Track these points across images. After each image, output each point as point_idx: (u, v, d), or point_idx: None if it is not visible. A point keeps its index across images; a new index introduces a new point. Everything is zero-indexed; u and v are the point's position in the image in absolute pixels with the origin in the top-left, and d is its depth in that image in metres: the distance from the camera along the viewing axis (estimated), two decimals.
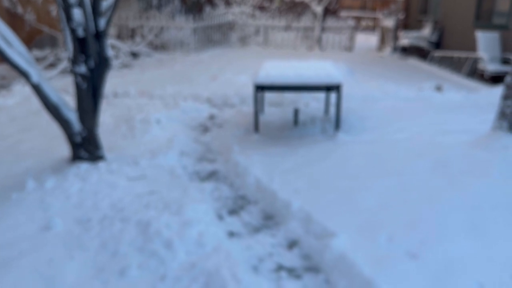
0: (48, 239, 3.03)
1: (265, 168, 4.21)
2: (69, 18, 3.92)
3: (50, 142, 4.95)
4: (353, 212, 3.26)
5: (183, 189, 3.79)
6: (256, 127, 5.45)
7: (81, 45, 4.04)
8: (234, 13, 14.85)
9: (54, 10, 10.42)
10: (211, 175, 4.38)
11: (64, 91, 7.73)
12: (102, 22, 4.02)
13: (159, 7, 13.88)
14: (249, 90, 7.46)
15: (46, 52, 9.34)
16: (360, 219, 3.16)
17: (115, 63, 9.94)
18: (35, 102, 6.79)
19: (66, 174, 4.01)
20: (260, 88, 5.32)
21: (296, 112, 5.86)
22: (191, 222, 3.06)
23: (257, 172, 4.12)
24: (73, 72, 4.12)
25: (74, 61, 4.09)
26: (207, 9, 16.08)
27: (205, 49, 12.87)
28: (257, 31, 14.35)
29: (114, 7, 4.04)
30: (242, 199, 3.85)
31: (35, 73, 3.94)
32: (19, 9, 9.74)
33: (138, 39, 11.62)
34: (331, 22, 14.09)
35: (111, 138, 5.24)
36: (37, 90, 4.00)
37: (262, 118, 6.13)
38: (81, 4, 3.86)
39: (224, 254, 2.79)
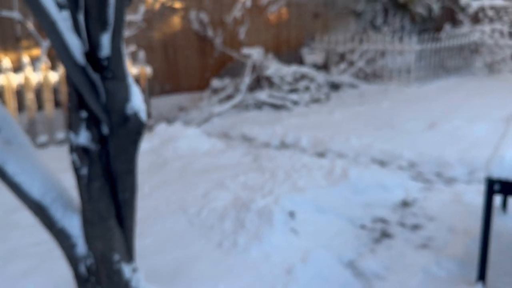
0: None
1: None
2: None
3: None
4: None
5: None
6: (482, 269, 2.43)
7: (78, 92, 1.95)
8: (482, 31, 11.06)
9: (243, 32, 9.00)
10: None
11: (222, 137, 5.98)
12: (104, 40, 1.82)
13: (382, 27, 11.26)
14: (487, 155, 4.26)
15: (226, 81, 7.89)
16: None
17: (304, 97, 7.79)
18: (169, 150, 5.17)
19: None
20: (500, 188, 2.30)
21: None
22: None
23: None
24: (69, 144, 2.05)
25: (69, 125, 2.02)
26: (447, 28, 12.67)
27: (433, 78, 9.65)
28: None
29: (122, 15, 1.79)
30: None
31: None
32: (209, 32, 8.63)
33: (342, 66, 9.27)
34: None
35: (200, 243, 3.04)
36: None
37: (503, 230, 3.00)
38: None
39: None
